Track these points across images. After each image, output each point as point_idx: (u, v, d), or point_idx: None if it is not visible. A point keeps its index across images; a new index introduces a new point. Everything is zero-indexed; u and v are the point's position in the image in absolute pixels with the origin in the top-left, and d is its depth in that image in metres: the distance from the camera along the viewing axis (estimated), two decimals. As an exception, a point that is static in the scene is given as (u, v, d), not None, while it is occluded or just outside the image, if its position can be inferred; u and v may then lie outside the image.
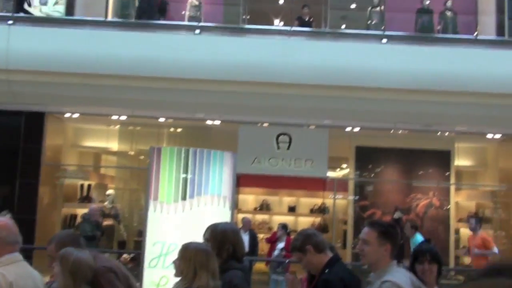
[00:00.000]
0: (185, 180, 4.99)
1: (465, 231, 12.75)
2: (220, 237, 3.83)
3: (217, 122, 11.67)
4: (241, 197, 13.90)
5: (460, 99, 9.98)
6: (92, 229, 10.29)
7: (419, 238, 9.12)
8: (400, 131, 11.87)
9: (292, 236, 10.87)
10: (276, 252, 10.70)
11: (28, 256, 4.78)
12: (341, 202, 13.24)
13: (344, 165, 13.58)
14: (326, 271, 3.67)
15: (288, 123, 11.37)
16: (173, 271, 3.50)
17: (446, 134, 12.00)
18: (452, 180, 12.51)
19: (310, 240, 3.78)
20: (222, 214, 5.07)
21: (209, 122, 11.77)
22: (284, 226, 10.93)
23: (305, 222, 13.92)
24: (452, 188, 12.55)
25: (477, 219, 10.13)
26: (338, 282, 3.55)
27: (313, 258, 3.75)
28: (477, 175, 13.62)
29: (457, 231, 12.70)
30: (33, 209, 11.04)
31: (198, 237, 4.14)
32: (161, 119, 11.87)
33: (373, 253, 3.49)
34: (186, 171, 5.01)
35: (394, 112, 10.36)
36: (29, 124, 11.28)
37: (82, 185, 12.68)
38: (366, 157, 12.69)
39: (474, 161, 13.30)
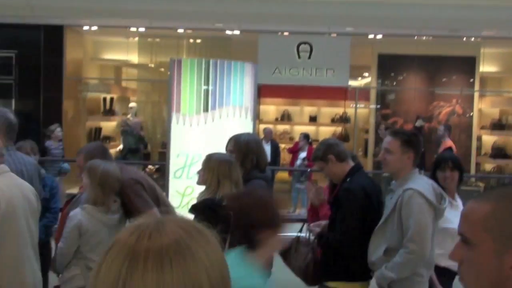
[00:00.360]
0: (207, 91, 4.99)
1: (487, 138, 12.73)
2: (243, 147, 3.89)
3: (237, 32, 11.49)
4: (262, 107, 13.91)
5: (487, 2, 9.61)
6: (136, 142, 10.52)
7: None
8: (424, 37, 11.57)
9: (314, 146, 10.99)
10: (298, 162, 10.85)
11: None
12: (362, 111, 13.19)
13: (366, 74, 13.40)
14: (348, 180, 3.71)
15: (309, 32, 11.13)
16: (196, 179, 3.61)
17: (472, 39, 11.66)
18: (476, 87, 12.30)
19: (332, 150, 3.80)
20: (244, 125, 5.10)
21: (228, 32, 11.59)
22: (305, 136, 11.00)
23: (326, 131, 13.96)
24: (476, 95, 12.37)
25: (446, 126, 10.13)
26: (359, 190, 3.59)
27: (334, 167, 3.79)
28: (502, 82, 13.37)
29: (479, 138, 12.67)
30: (59, 123, 11.23)
31: (221, 148, 4.21)
32: (180, 30, 11.72)
33: (396, 161, 3.50)
34: (207, 83, 4.99)
35: (419, 18, 10.04)
36: (49, 38, 11.24)
37: (104, 98, 12.79)
38: (388, 65, 12.47)
39: (500, 67, 12.99)
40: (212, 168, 3.50)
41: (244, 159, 3.84)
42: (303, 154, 10.75)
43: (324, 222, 3.85)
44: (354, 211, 3.56)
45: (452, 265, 4.17)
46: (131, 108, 11.95)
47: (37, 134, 9.76)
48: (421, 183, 3.43)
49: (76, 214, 3.64)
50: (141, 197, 3.76)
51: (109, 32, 12.33)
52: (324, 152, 3.80)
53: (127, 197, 3.73)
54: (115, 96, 13.12)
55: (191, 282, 0.90)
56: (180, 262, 0.90)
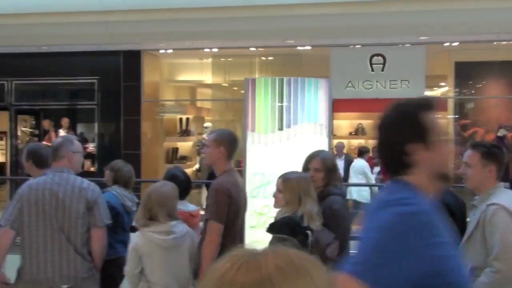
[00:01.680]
0: (281, 109, 5.01)
1: None
2: (330, 164, 3.88)
3: (308, 48, 11.50)
4: (336, 122, 13.81)
5: None
6: None
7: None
8: (504, 42, 11.10)
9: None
10: (374, 176, 10.65)
11: (136, 188, 5.11)
12: (440, 122, 12.79)
13: (443, 83, 13.00)
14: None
15: (382, 43, 10.95)
16: (274, 202, 3.61)
17: (557, 42, 11.08)
18: (562, 91, 11.64)
19: None
20: (319, 142, 5.07)
21: (299, 48, 11.62)
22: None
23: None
24: None
25: None
26: (443, 207, 3.46)
27: None
28: None
29: None
30: (138, 144, 11.65)
31: (296, 166, 4.21)
32: (252, 49, 11.88)
33: (476, 175, 3.36)
34: (281, 101, 5.01)
35: (496, 22, 9.64)
36: (127, 63, 11.73)
37: (180, 119, 13.14)
38: (466, 73, 12.04)
39: None
40: (292, 187, 3.50)
41: (329, 178, 3.85)
42: (377, 168, 10.55)
43: None
44: None
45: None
46: (206, 127, 12.20)
47: (119, 156, 10.14)
48: (507, 197, 3.26)
49: None
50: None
51: (183, 54, 12.69)
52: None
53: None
54: (190, 116, 13.46)
55: None
56: None
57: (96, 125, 11.99)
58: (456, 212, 3.54)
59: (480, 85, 12.20)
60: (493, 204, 3.20)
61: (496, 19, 9.59)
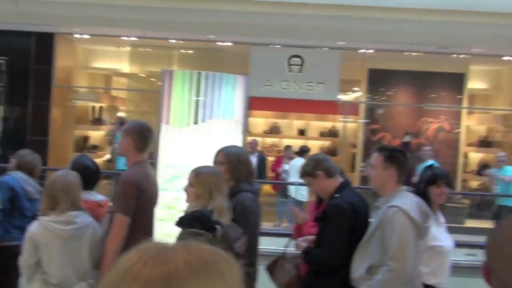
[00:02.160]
0: (197, 103, 4.98)
1: (473, 155, 12.81)
2: (235, 160, 3.89)
3: (229, 44, 11.51)
4: (251, 120, 13.92)
5: (476, 19, 9.71)
6: None
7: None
8: (414, 53, 11.67)
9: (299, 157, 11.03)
10: (281, 173, 10.84)
11: (42, 177, 4.91)
12: (351, 126, 13.25)
13: (356, 88, 13.47)
14: (336, 196, 3.71)
15: (301, 45, 11.18)
16: (185, 196, 3.58)
17: (461, 56, 11.79)
18: (465, 103, 12.42)
19: (321, 165, 3.80)
20: (234, 138, 5.09)
21: (220, 43, 11.62)
22: (290, 148, 11.02)
23: (314, 145, 14.00)
24: (464, 111, 12.48)
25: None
26: (348, 206, 3.59)
27: (323, 183, 3.79)
28: (490, 99, 13.49)
29: (465, 155, 12.75)
30: (46, 131, 11.17)
31: (210, 161, 4.20)
32: (172, 41, 11.73)
33: (378, 177, 3.52)
34: (198, 95, 4.98)
35: (409, 33, 10.12)
36: (39, 45, 11.20)
37: (93, 107, 12.73)
38: (378, 80, 12.56)
39: (488, 84, 13.12)
40: (204, 182, 3.48)
41: (234, 172, 3.85)
42: (286, 166, 10.75)
43: (311, 237, 3.84)
44: (342, 227, 3.56)
45: (440, 282, 4.18)
46: (120, 117, 11.90)
47: (24, 141, 9.68)
48: (406, 201, 3.43)
49: None
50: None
51: (100, 40, 12.30)
52: (313, 168, 3.81)
53: None
54: (104, 105, 13.07)
55: None
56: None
57: (1, 108, 11.35)
58: (360, 212, 3.68)
59: (391, 92, 12.76)
60: (393, 206, 3.35)
61: (408, 31, 10.05)
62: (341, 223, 3.55)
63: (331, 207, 3.62)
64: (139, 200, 3.79)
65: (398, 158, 3.52)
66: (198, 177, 3.50)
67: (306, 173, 3.86)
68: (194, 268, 0.88)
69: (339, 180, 3.83)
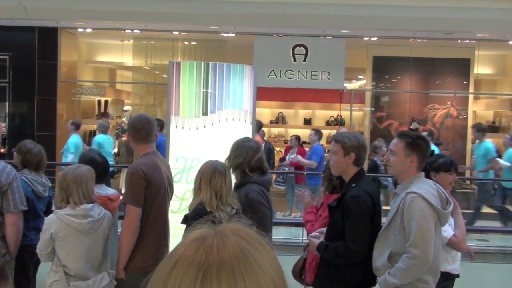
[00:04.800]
0: (206, 94, 4.95)
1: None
2: (242, 151, 3.91)
3: (232, 34, 11.47)
4: (257, 110, 13.83)
5: (482, 4, 9.66)
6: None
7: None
8: (419, 39, 11.61)
9: (305, 147, 11.00)
10: (285, 163, 10.81)
11: (50, 172, 4.90)
12: (357, 114, 13.20)
13: (361, 76, 13.41)
14: (353, 185, 3.62)
15: (304, 34, 11.13)
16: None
17: (467, 41, 11.72)
18: (471, 89, 12.34)
19: (357, 151, 3.65)
20: (243, 129, 5.07)
21: (223, 34, 11.58)
22: (297, 138, 10.97)
23: (321, 134, 13.94)
24: (471, 97, 12.42)
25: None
26: (367, 197, 3.54)
27: (346, 165, 3.66)
28: (496, 84, 13.43)
29: (473, 141, 12.69)
30: (53, 126, 11.18)
31: (220, 151, 4.19)
32: (175, 32, 11.69)
33: (399, 163, 3.46)
34: (206, 86, 4.95)
35: (413, 19, 10.06)
36: (43, 40, 11.18)
37: (99, 101, 12.72)
38: (383, 67, 12.51)
39: (494, 69, 13.05)
40: (198, 173, 3.59)
41: (239, 163, 3.88)
42: (292, 156, 10.69)
43: (323, 230, 3.77)
44: (364, 219, 3.51)
45: (455, 268, 4.17)
46: (125, 111, 11.88)
47: (31, 137, 9.68)
48: (425, 187, 3.37)
49: None
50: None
51: (103, 34, 12.27)
52: (351, 147, 3.63)
53: None
54: (109, 99, 13.06)
55: None
56: (251, 274, 0.89)
57: (7, 104, 11.35)
58: (377, 201, 3.63)
59: (396, 80, 12.70)
60: (411, 192, 3.30)
61: (412, 17, 9.99)
62: (362, 214, 3.50)
63: (350, 198, 3.53)
64: (148, 191, 3.80)
65: (420, 145, 3.46)
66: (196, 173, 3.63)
67: (344, 144, 3.65)
68: (246, 252, 0.91)
69: (359, 168, 3.73)
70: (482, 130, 9.56)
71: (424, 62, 12.25)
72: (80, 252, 3.65)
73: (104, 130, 9.96)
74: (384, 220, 3.61)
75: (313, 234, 3.80)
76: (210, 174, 3.56)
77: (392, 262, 3.34)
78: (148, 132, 4.01)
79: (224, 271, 0.88)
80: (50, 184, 4.70)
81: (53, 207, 4.80)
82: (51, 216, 3.68)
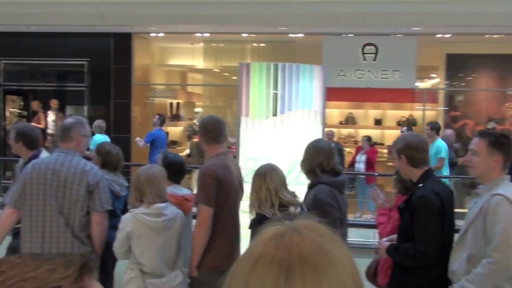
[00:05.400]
0: (275, 95, 4.99)
1: None
2: (313, 153, 3.91)
3: (300, 35, 11.47)
4: (326, 110, 13.76)
5: None
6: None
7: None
8: (495, 35, 11.15)
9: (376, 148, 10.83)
10: (357, 165, 10.65)
11: (126, 172, 5.07)
12: (430, 113, 12.83)
13: (434, 75, 13.04)
14: (420, 185, 3.53)
15: (374, 33, 10.96)
16: None
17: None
18: (552, 86, 11.74)
19: (407, 152, 3.61)
20: (313, 129, 5.06)
21: (292, 35, 11.59)
22: (368, 139, 10.81)
23: (391, 135, 13.67)
24: (551, 94, 11.82)
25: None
26: (434, 196, 3.42)
27: (406, 168, 3.62)
28: None
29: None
30: (128, 128, 11.60)
31: (289, 152, 4.21)
32: (244, 35, 11.83)
33: (482, 164, 3.29)
34: (275, 86, 4.99)
35: (489, 15, 9.67)
36: (118, 46, 11.63)
37: (171, 104, 13.06)
38: (457, 65, 12.10)
39: None
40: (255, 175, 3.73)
41: (311, 165, 3.87)
42: (363, 157, 10.55)
43: (394, 237, 3.71)
44: (432, 218, 3.39)
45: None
46: (196, 113, 12.15)
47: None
48: (511, 190, 3.20)
49: None
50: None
51: (175, 38, 12.60)
52: (399, 150, 3.62)
53: None
54: (181, 101, 13.38)
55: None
56: (332, 270, 0.89)
57: (85, 107, 11.88)
58: (446, 201, 3.51)
59: (471, 78, 12.26)
60: (498, 194, 3.14)
61: (488, 12, 9.61)
62: (430, 214, 3.38)
63: (417, 198, 3.43)
64: (220, 191, 3.87)
65: (504, 143, 3.29)
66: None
67: (395, 149, 3.67)
68: (325, 247, 0.91)
69: (423, 169, 3.64)
70: (435, 128, 9.10)
71: (501, 59, 11.76)
72: (155, 250, 3.75)
73: (100, 130, 10.39)
74: (461, 222, 3.48)
75: (385, 239, 3.77)
76: (261, 178, 3.63)
77: (470, 266, 3.19)
78: (219, 133, 4.07)
79: (307, 268, 0.88)
80: (127, 184, 4.88)
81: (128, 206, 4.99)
82: (127, 215, 3.80)
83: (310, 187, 3.93)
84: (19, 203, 3.78)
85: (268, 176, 3.61)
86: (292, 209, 3.56)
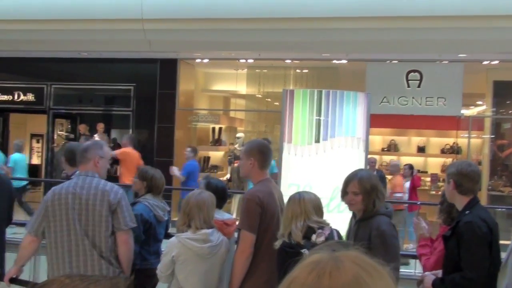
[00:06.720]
0: (319, 122, 4.99)
1: None
2: (368, 188, 3.74)
3: (344, 61, 11.47)
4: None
5: None
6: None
7: None
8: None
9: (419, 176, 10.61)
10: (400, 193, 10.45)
11: (167, 196, 5.12)
12: (475, 141, 12.55)
13: (480, 102, 12.78)
14: (467, 212, 3.49)
15: (419, 59, 10.86)
16: None
17: None
18: None
19: (456, 178, 3.56)
20: (356, 156, 5.03)
21: (335, 61, 11.60)
22: (410, 167, 10.63)
23: (435, 163, 13.43)
24: None
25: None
26: (481, 223, 3.37)
27: (454, 194, 3.57)
28: None
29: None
30: (171, 152, 11.77)
31: (332, 179, 4.17)
32: (288, 61, 11.91)
33: None
34: (319, 113, 4.99)
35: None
36: (164, 71, 11.90)
37: (213, 128, 13.20)
38: (504, 92, 11.82)
39: None
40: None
41: (369, 199, 3.72)
42: (406, 184, 10.36)
43: (439, 272, 3.62)
44: (480, 244, 3.32)
45: None
46: (238, 137, 12.21)
47: (151, 162, 10.23)
48: None
49: None
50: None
51: (219, 64, 12.80)
52: (450, 174, 3.60)
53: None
54: (223, 126, 13.51)
55: None
56: None
57: (130, 131, 12.14)
58: (493, 229, 3.43)
59: (519, 105, 11.96)
60: None
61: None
62: (478, 240, 3.32)
63: (464, 224, 3.38)
64: (263, 218, 3.85)
65: None
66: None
67: (447, 173, 3.66)
68: (360, 279, 0.92)
69: (470, 197, 3.59)
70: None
71: (550, 87, 11.44)
72: (198, 276, 3.75)
73: (18, 149, 10.74)
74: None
75: (429, 273, 3.69)
76: (293, 204, 3.61)
77: None
78: (270, 159, 4.08)
79: None
80: (169, 208, 4.91)
81: (169, 230, 5.02)
82: (173, 239, 3.82)
83: (366, 218, 3.75)
84: (40, 231, 3.82)
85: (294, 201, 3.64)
86: (313, 237, 3.50)
